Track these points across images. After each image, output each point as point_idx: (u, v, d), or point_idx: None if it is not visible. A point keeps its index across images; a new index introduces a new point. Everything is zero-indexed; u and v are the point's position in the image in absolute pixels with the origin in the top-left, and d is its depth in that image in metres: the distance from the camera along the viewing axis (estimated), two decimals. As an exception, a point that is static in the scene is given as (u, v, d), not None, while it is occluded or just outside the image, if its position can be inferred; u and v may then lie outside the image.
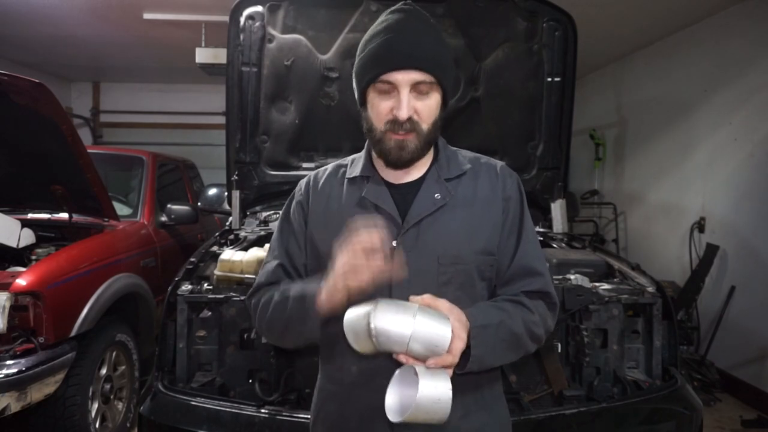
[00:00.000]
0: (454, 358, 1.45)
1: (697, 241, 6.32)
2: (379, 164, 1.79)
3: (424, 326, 1.39)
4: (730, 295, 5.68)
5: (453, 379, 1.45)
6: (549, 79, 4.18)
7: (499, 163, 1.85)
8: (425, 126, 1.66)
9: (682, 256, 6.55)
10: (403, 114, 1.61)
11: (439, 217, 1.70)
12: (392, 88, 1.62)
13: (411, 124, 1.63)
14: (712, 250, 5.89)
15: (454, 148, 1.87)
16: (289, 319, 1.68)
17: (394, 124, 1.63)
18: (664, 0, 5.78)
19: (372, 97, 1.67)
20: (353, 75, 1.74)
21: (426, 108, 1.65)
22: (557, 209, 4.31)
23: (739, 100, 5.77)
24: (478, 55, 4.12)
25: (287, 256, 1.84)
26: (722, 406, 5.41)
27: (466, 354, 1.52)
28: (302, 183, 1.91)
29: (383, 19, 1.70)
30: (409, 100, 1.62)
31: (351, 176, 1.81)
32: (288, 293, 1.69)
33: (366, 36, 1.71)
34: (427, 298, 1.49)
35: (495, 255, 1.75)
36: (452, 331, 1.44)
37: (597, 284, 3.22)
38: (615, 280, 3.39)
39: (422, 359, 1.43)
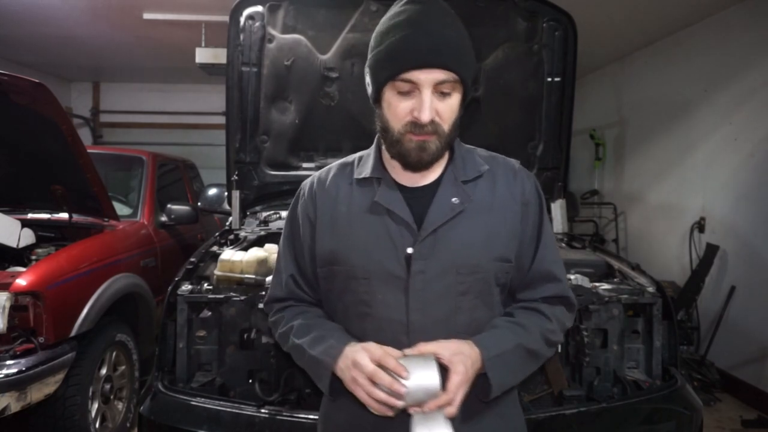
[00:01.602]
0: (450, 394, 1.45)
1: (697, 241, 6.30)
2: (390, 165, 1.70)
3: (409, 380, 1.42)
4: (730, 295, 5.66)
5: (469, 400, 1.51)
6: (549, 79, 4.16)
7: (516, 164, 1.78)
8: (446, 127, 1.57)
9: (682, 256, 6.53)
10: (426, 117, 1.51)
11: (458, 223, 1.63)
12: (413, 88, 1.52)
13: (433, 126, 1.54)
14: (712, 250, 5.88)
15: (469, 147, 1.78)
16: (305, 367, 1.69)
17: (415, 126, 1.54)
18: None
19: (389, 96, 1.57)
20: (367, 69, 1.63)
21: (448, 109, 1.56)
22: (557, 209, 4.30)
23: (740, 99, 5.75)
24: (478, 55, 4.01)
25: (297, 266, 1.80)
26: (722, 406, 5.40)
27: (487, 383, 1.55)
28: (306, 186, 1.81)
29: (401, 9, 1.57)
30: (432, 102, 1.52)
31: (360, 177, 1.71)
32: (304, 347, 1.66)
33: (382, 27, 1.59)
34: (419, 346, 1.50)
35: (512, 262, 1.69)
36: (449, 368, 1.46)
37: (597, 284, 3.20)
38: (615, 280, 3.37)
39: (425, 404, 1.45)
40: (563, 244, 4.05)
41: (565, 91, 4.18)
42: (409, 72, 1.50)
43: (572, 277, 3.17)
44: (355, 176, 1.73)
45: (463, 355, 1.49)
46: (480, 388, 1.57)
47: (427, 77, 1.50)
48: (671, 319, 3.11)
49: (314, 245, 1.73)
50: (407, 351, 1.49)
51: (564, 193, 4.34)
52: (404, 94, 1.54)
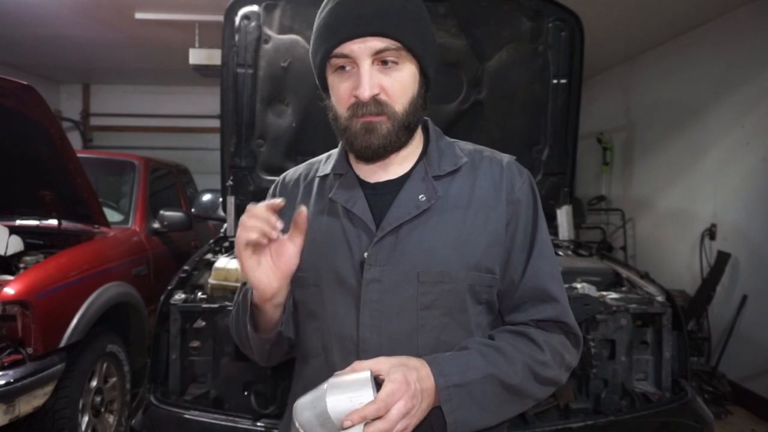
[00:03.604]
0: (378, 403, 1.17)
1: (708, 249, 6.22)
2: (354, 161, 1.53)
3: (337, 401, 1.18)
4: (742, 305, 5.57)
5: None
6: (555, 81, 4.09)
7: (505, 158, 1.55)
8: (398, 107, 1.37)
9: (692, 264, 6.46)
10: (365, 92, 1.33)
11: (423, 223, 1.41)
12: (351, 63, 1.36)
13: (378, 105, 1.35)
14: (723, 257, 5.80)
15: (452, 140, 1.58)
16: (240, 323, 1.49)
17: (358, 107, 1.36)
18: (673, -1, 5.72)
19: (331, 79, 1.41)
20: (310, 58, 1.48)
21: (396, 83, 1.37)
22: (563, 216, 4.23)
23: (752, 102, 5.67)
24: (481, 56, 4.03)
25: None
26: (734, 420, 5.30)
27: (442, 421, 1.29)
28: (271, 187, 1.68)
29: None
30: (372, 76, 1.34)
31: (322, 174, 1.56)
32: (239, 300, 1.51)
33: (319, 10, 1.43)
34: (354, 365, 1.26)
35: (494, 273, 1.44)
36: (384, 380, 1.21)
37: (604, 293, 3.17)
38: (623, 288, 3.35)
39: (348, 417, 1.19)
40: (569, 252, 4.01)
41: (571, 94, 4.11)
42: (340, 45, 1.34)
43: (579, 285, 3.14)
44: (318, 174, 1.58)
45: (405, 367, 1.25)
46: (437, 426, 1.31)
47: (360, 47, 1.33)
48: (681, 330, 3.09)
49: None
50: (338, 372, 1.25)
51: (570, 198, 4.27)
52: (343, 73, 1.38)
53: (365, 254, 1.41)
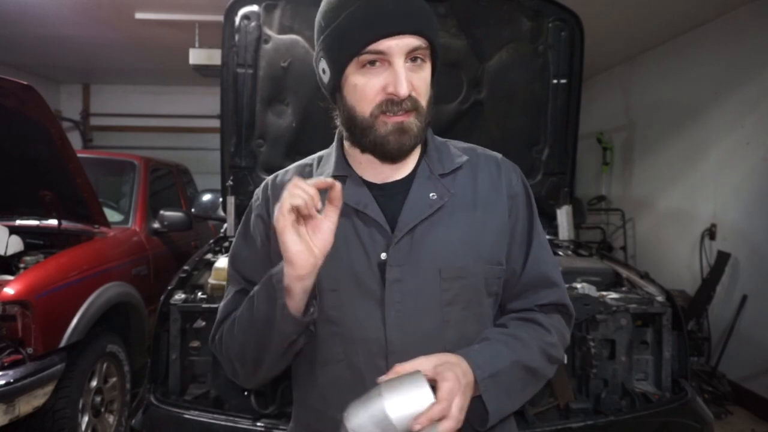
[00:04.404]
0: (443, 403, 1.20)
1: (708, 249, 6.21)
2: (356, 162, 1.50)
3: (397, 404, 1.17)
4: (742, 305, 5.57)
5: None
6: (555, 81, 4.08)
7: (498, 156, 1.59)
8: (424, 103, 1.38)
9: (692, 264, 6.45)
10: (404, 90, 1.31)
11: (437, 222, 1.43)
12: (382, 61, 1.33)
13: (411, 101, 1.35)
14: (723, 257, 5.79)
15: (443, 139, 1.59)
16: (257, 318, 1.36)
17: (391, 105, 1.34)
18: (673, -1, 5.71)
19: (354, 77, 1.35)
20: (321, 53, 1.41)
21: (423, 82, 1.37)
22: (563, 215, 4.22)
23: (752, 102, 5.66)
24: (481, 56, 4.02)
25: (248, 282, 1.53)
26: (734, 420, 5.30)
27: (483, 410, 1.33)
28: (259, 191, 1.61)
29: None
30: (406, 73, 1.33)
31: (322, 176, 1.48)
32: (251, 295, 1.40)
33: (332, 3, 1.38)
34: (396, 368, 1.25)
35: (503, 265, 1.49)
36: (435, 380, 1.23)
37: (604, 293, 3.16)
38: (623, 288, 3.34)
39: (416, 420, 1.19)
40: (569, 252, 4.01)
41: (571, 94, 4.10)
42: (377, 42, 1.30)
43: (579, 285, 3.14)
44: (316, 176, 1.52)
45: (449, 364, 1.28)
46: (473, 415, 1.32)
47: (398, 44, 1.31)
48: (681, 330, 3.09)
49: (270, 249, 1.48)
50: (382, 378, 1.23)
51: (570, 198, 4.27)
52: (371, 70, 1.34)
53: (383, 255, 1.40)
